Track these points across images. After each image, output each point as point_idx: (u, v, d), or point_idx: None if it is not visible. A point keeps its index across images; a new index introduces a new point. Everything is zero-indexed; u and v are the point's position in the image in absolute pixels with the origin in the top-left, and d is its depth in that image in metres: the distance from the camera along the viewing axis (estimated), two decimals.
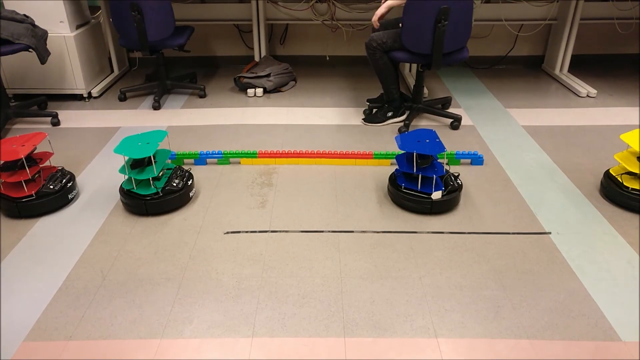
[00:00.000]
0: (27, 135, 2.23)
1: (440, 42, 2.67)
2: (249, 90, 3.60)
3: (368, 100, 3.33)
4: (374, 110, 3.16)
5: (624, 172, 2.23)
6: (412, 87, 3.10)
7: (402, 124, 3.02)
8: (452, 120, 3.04)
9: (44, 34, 3.00)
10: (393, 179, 2.30)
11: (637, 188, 2.16)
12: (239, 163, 2.63)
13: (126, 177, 2.21)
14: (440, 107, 3.30)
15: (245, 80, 3.60)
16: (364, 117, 3.13)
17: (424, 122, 3.13)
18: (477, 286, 1.76)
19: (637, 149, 2.12)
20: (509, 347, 1.52)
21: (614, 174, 2.26)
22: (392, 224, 2.12)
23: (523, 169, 2.56)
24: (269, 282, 1.79)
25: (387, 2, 2.78)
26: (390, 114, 3.06)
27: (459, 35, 2.73)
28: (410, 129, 2.98)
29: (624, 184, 2.19)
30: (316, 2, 3.87)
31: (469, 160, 2.62)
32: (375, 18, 2.83)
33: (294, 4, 3.89)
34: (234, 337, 1.56)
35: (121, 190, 2.21)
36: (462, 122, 3.12)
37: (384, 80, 2.98)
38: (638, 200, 2.16)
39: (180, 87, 3.71)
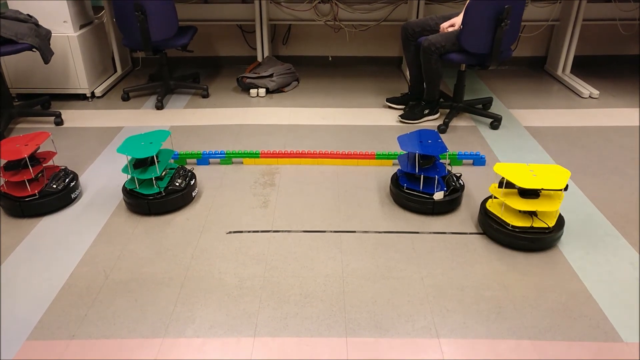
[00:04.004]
0: (31, 134, 2.24)
1: (499, 41, 2.72)
2: (251, 91, 3.61)
3: (388, 100, 3.38)
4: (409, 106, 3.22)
5: (533, 218, 1.96)
6: (454, 86, 3.13)
7: (436, 121, 3.07)
8: (492, 120, 3.06)
9: (48, 33, 3.01)
10: (395, 179, 2.30)
11: (522, 225, 1.91)
12: (242, 163, 2.64)
13: (129, 176, 2.22)
14: (481, 107, 3.32)
15: (248, 80, 3.60)
16: (401, 114, 3.15)
17: (459, 122, 3.13)
18: (479, 287, 1.76)
19: (517, 183, 1.88)
20: (510, 347, 1.52)
21: (529, 224, 1.93)
22: (394, 224, 2.12)
23: None
24: (271, 281, 1.79)
25: (455, 18, 2.90)
26: (427, 111, 3.11)
27: (513, 34, 2.78)
28: (449, 129, 3.03)
29: (545, 225, 1.92)
30: (319, 2, 3.88)
31: (471, 161, 2.63)
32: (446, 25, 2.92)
33: (296, 5, 3.90)
34: (236, 336, 1.56)
35: (124, 189, 2.22)
36: (463, 123, 3.12)
37: (431, 83, 3.01)
38: (522, 238, 1.91)
39: (183, 87, 3.72)
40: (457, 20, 2.88)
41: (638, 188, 2.38)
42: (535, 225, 1.91)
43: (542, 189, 1.93)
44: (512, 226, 1.92)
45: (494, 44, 2.73)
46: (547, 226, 1.91)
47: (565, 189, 1.90)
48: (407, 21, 3.09)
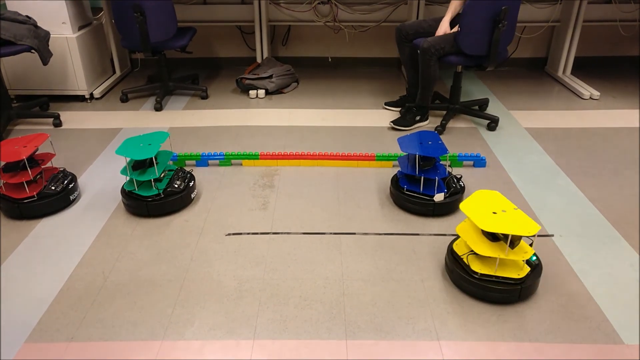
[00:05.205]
0: (29, 136, 2.23)
1: (497, 42, 2.72)
2: (251, 92, 3.60)
3: (386, 104, 3.37)
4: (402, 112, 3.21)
5: (470, 251, 1.76)
6: (450, 87, 3.13)
7: (429, 126, 3.06)
8: (489, 121, 3.06)
9: (46, 35, 3.00)
10: (395, 180, 2.29)
11: (486, 273, 1.67)
12: (241, 165, 2.63)
13: (128, 178, 2.21)
14: (477, 108, 3.31)
15: (248, 81, 3.60)
16: (393, 119, 3.12)
17: (459, 124, 3.13)
18: None
19: (479, 224, 1.63)
20: (511, 350, 1.51)
21: (459, 254, 1.77)
22: (394, 226, 2.12)
23: (526, 171, 2.56)
24: (271, 284, 1.78)
25: (445, 17, 2.92)
26: (418, 117, 3.09)
27: (509, 34, 2.78)
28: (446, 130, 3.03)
29: (472, 267, 1.70)
30: (318, 3, 3.87)
31: (471, 162, 2.62)
32: (440, 32, 2.92)
33: (296, 6, 3.89)
34: (236, 339, 1.56)
35: (123, 191, 2.21)
36: (464, 125, 3.12)
37: (426, 86, 2.99)
38: (489, 289, 1.67)
39: (182, 88, 3.71)
40: (444, 24, 2.91)
41: (638, 189, 2.38)
42: (464, 260, 1.74)
43: (482, 228, 1.64)
44: (452, 249, 1.80)
45: (492, 45, 2.73)
46: (466, 265, 1.72)
47: (511, 245, 1.65)
48: (401, 24, 3.09)
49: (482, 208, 1.71)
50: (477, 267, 1.70)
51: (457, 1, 2.92)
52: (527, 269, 1.69)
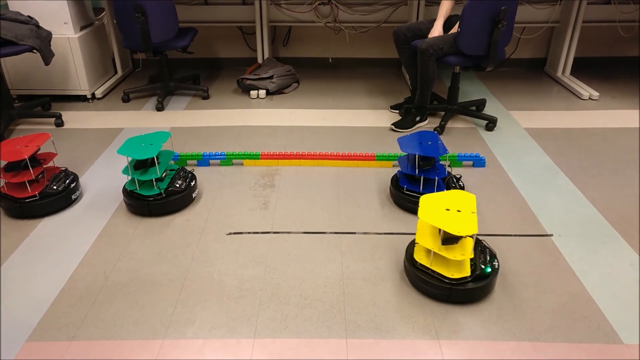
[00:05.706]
0: (31, 135, 2.24)
1: (496, 43, 2.73)
2: (251, 92, 3.61)
3: (392, 107, 3.37)
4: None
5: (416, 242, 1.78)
6: (448, 88, 3.14)
7: (430, 125, 3.08)
8: (487, 122, 3.06)
9: (48, 35, 3.01)
10: (395, 180, 2.30)
11: (423, 264, 1.71)
12: (242, 164, 2.64)
13: (129, 177, 2.22)
14: (475, 109, 3.31)
15: (248, 82, 3.61)
16: (394, 122, 3.12)
17: (458, 124, 3.14)
18: None
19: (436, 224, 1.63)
20: (510, 349, 1.52)
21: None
22: (394, 225, 2.12)
23: (525, 171, 2.56)
24: (271, 283, 1.79)
25: (438, 20, 2.95)
26: (418, 118, 3.10)
27: (508, 35, 2.80)
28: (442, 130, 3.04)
29: (414, 255, 1.75)
30: (319, 4, 3.88)
31: (471, 162, 2.63)
32: (434, 35, 2.93)
33: (297, 6, 3.90)
34: (236, 338, 1.56)
35: (124, 191, 2.22)
36: (463, 125, 3.12)
37: (425, 87, 2.99)
38: (422, 280, 1.70)
39: (183, 88, 3.72)
40: (437, 27, 2.92)
41: (638, 189, 2.38)
42: (412, 247, 1.80)
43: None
44: (415, 239, 1.80)
45: (491, 46, 2.74)
46: (412, 252, 1.77)
47: (448, 242, 1.67)
48: (398, 27, 3.09)
49: (440, 204, 1.72)
50: (418, 256, 1.74)
51: (448, 2, 2.93)
52: (467, 273, 1.66)
